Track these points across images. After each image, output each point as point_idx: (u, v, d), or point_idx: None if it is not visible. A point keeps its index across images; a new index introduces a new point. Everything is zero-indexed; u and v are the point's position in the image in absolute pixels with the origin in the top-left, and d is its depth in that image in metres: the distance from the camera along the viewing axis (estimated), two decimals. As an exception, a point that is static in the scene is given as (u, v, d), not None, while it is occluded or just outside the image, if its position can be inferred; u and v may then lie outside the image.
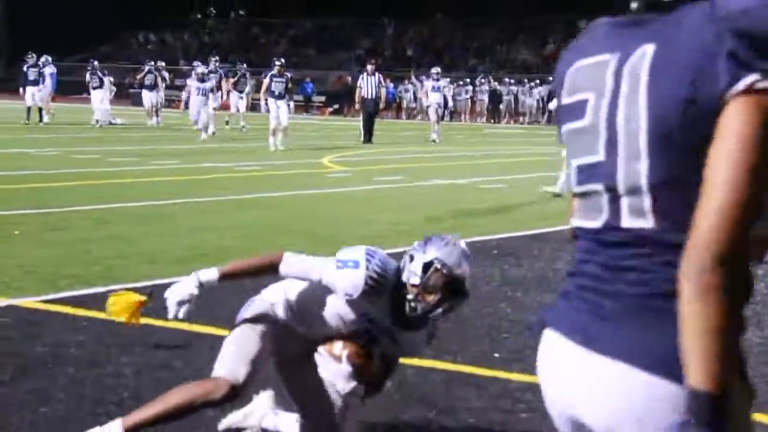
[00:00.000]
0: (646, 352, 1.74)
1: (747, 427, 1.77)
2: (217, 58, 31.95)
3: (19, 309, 6.41)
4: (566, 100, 1.92)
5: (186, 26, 68.23)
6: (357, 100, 26.85)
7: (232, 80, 29.77)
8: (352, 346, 3.79)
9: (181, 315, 3.76)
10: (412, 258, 3.70)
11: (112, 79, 32.67)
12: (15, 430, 4.21)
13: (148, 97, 30.85)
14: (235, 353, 3.79)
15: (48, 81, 30.58)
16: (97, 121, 29.31)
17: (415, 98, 43.00)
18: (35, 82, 29.87)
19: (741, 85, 1.65)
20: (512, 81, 45.07)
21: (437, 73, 29.03)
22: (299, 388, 3.97)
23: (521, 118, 44.39)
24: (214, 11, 70.23)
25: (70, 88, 42.92)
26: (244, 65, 32.39)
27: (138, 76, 33.74)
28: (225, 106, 30.32)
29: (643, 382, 1.74)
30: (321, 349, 3.81)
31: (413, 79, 44.03)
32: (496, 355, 5.65)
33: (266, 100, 22.55)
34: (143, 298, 3.96)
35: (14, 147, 20.47)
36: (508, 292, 7.38)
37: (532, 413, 4.60)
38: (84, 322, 6.11)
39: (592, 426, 1.82)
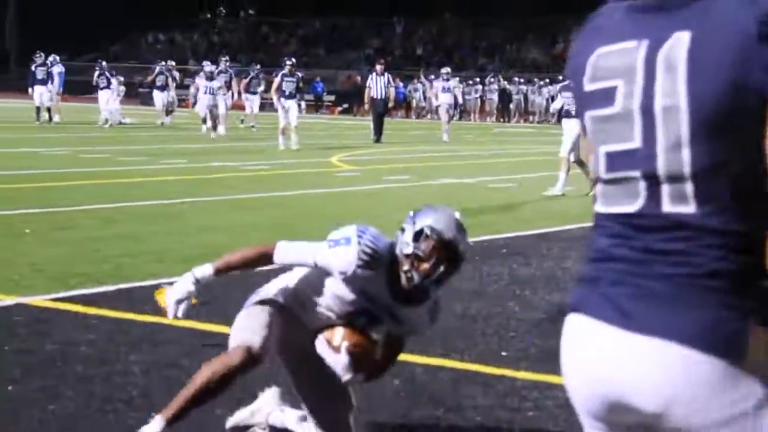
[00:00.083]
0: (695, 331, 1.76)
1: None
2: (227, 57, 31.94)
3: (29, 307, 6.44)
4: (589, 87, 1.92)
5: (195, 26, 68.30)
6: (366, 100, 26.85)
7: (244, 81, 29.76)
8: (352, 335, 3.77)
9: (180, 314, 3.77)
10: (403, 230, 3.71)
11: (122, 78, 32.74)
12: (24, 428, 4.24)
13: (159, 98, 30.85)
14: (245, 326, 3.82)
15: (56, 80, 30.68)
16: (107, 120, 29.38)
17: (425, 98, 43.00)
18: (43, 81, 29.96)
19: None
20: (522, 80, 45.01)
21: (447, 73, 28.98)
22: (305, 381, 3.98)
23: (531, 117, 44.34)
24: (223, 11, 70.33)
25: (80, 87, 43.00)
26: (258, 66, 32.38)
27: (149, 77, 33.76)
28: (237, 106, 30.33)
29: (694, 361, 1.75)
30: (321, 337, 3.80)
31: (422, 78, 44.02)
32: (504, 353, 5.65)
33: (278, 98, 22.48)
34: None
35: (23, 146, 20.54)
36: (516, 291, 7.39)
37: (539, 411, 4.61)
38: (93, 320, 6.13)
39: (642, 407, 1.81)
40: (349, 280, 3.70)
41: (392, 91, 27.30)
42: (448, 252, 3.65)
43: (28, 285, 7.07)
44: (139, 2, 65.35)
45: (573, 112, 14.48)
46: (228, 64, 30.51)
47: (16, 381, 4.86)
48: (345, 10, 61.72)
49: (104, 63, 32.73)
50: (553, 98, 42.23)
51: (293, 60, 23.92)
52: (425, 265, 3.64)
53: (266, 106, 31.99)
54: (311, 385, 3.97)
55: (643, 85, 1.82)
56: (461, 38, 58.85)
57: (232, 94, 28.77)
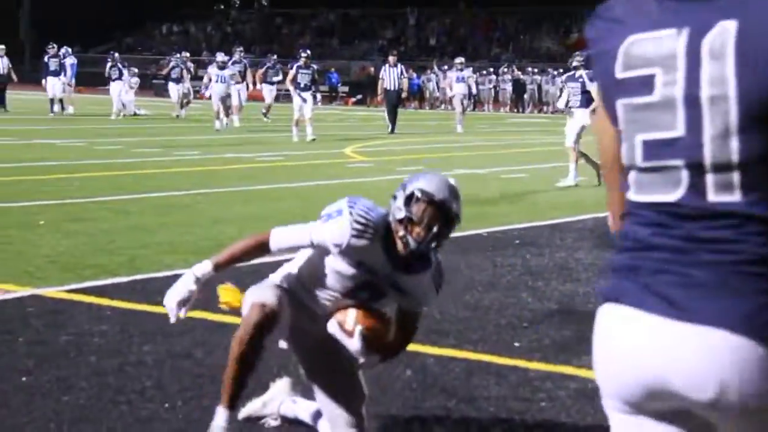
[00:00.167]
0: (742, 317, 1.77)
1: None
2: (242, 48, 31.85)
3: (43, 298, 6.47)
4: (622, 75, 1.91)
5: (209, 17, 68.33)
6: (379, 91, 26.82)
7: (260, 71, 29.71)
8: (365, 319, 3.75)
9: (183, 315, 3.74)
10: (395, 197, 3.71)
11: (136, 70, 32.77)
12: (38, 418, 4.25)
13: (174, 90, 30.81)
14: (253, 292, 3.83)
15: (69, 72, 30.77)
16: (121, 110, 29.42)
17: (438, 88, 42.92)
18: (56, 73, 30.06)
19: None
20: (535, 70, 44.87)
21: (461, 63, 28.86)
22: (317, 371, 3.98)
23: (545, 108, 44.21)
24: (237, 2, 70.29)
25: (94, 79, 43.10)
26: (275, 56, 32.33)
27: (164, 70, 33.73)
28: (252, 97, 30.25)
29: (743, 347, 1.76)
30: (334, 321, 3.79)
31: (435, 69, 43.93)
32: (517, 344, 5.65)
33: (295, 89, 22.35)
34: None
35: (38, 138, 20.61)
36: (529, 282, 7.37)
37: (552, 402, 4.60)
38: (107, 311, 6.15)
39: (691, 394, 1.82)
40: (346, 253, 3.69)
41: (405, 82, 27.25)
42: (440, 213, 3.64)
43: (42, 276, 7.10)
44: (153, -7, 65.46)
45: (578, 103, 14.50)
46: (243, 54, 30.43)
47: (29, 372, 4.88)
48: (358, 0, 61.64)
49: (116, 54, 32.71)
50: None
51: (308, 52, 23.78)
52: (419, 229, 3.63)
53: (280, 97, 31.98)
54: (323, 375, 3.97)
55: (687, 74, 1.81)
56: (474, 28, 58.70)
57: (247, 85, 28.70)
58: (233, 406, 3.80)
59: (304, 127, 21.87)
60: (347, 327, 3.74)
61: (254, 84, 29.55)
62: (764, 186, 1.78)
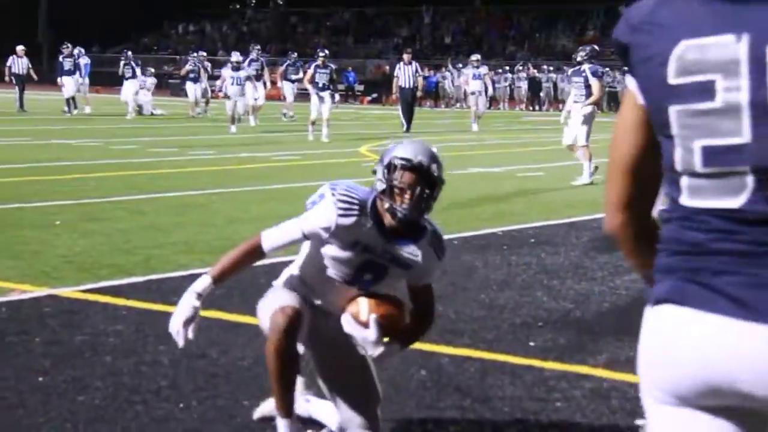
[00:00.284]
0: None
1: None
2: (259, 47, 31.81)
3: (59, 298, 6.50)
4: (676, 80, 1.88)
5: (225, 17, 68.50)
6: (394, 90, 26.77)
7: (281, 69, 29.63)
8: (378, 307, 3.73)
9: (191, 335, 3.70)
10: (375, 172, 3.72)
11: (152, 69, 32.82)
12: (53, 418, 4.27)
13: (192, 89, 30.79)
14: (267, 303, 3.85)
15: (83, 71, 30.89)
16: (137, 108, 29.49)
17: (453, 86, 42.85)
18: (70, 72, 30.18)
19: None
20: (551, 68, 44.76)
21: (477, 60, 28.73)
22: (332, 371, 3.98)
23: (561, 106, 44.05)
24: (253, 1, 70.42)
25: (110, 79, 43.25)
26: (295, 54, 32.29)
27: (182, 70, 33.72)
28: (269, 97, 30.22)
29: None
30: (347, 315, 3.77)
31: (450, 67, 43.87)
32: (532, 343, 5.63)
33: (313, 89, 22.28)
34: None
35: (54, 138, 20.70)
36: (544, 281, 7.36)
37: (567, 402, 4.59)
38: (123, 311, 6.17)
39: (760, 394, 1.81)
40: (338, 235, 3.69)
41: (420, 80, 27.21)
42: (420, 175, 3.63)
43: (58, 276, 7.13)
44: (169, -7, 65.65)
45: (583, 97, 14.55)
46: (260, 52, 30.41)
47: (45, 372, 4.90)
48: (373, -1, 61.70)
49: (129, 53, 32.66)
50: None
51: (326, 51, 23.71)
52: (404, 196, 3.63)
53: (298, 96, 32.00)
54: (338, 375, 3.97)
55: (751, 81, 1.80)
56: (490, 26, 58.62)
57: (264, 84, 28.59)
58: (290, 413, 3.83)
59: (320, 126, 21.85)
60: (362, 318, 3.72)
61: (272, 83, 29.48)
62: None
